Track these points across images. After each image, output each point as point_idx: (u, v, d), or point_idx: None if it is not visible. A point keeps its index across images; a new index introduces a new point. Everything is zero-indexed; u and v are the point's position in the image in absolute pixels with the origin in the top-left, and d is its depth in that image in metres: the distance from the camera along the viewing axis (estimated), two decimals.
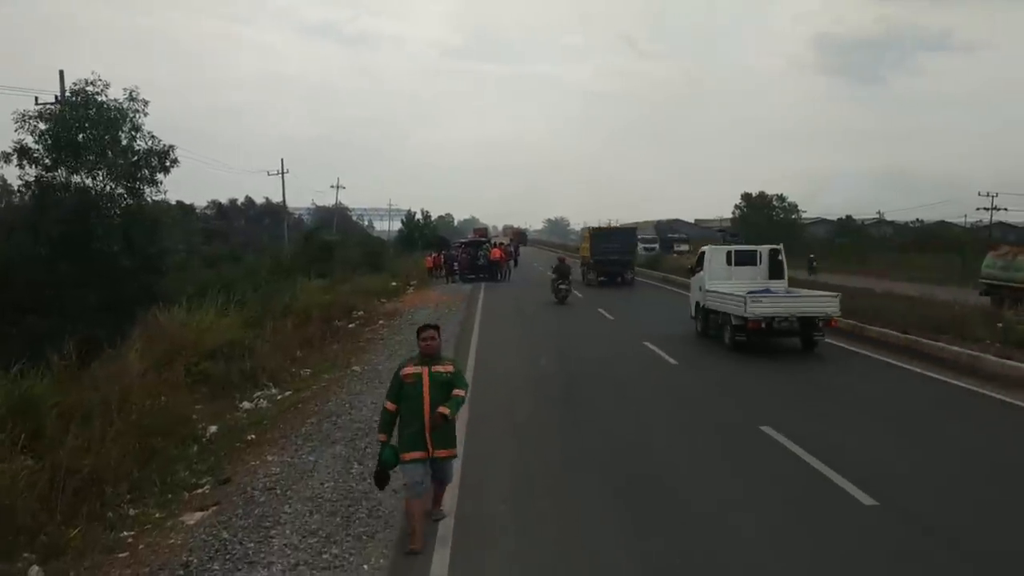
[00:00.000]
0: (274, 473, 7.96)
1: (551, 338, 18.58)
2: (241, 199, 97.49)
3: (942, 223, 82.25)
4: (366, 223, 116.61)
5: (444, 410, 6.03)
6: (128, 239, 24.78)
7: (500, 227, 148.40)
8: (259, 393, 13.29)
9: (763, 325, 15.53)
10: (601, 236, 40.00)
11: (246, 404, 12.33)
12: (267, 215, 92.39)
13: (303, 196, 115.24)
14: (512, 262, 45.58)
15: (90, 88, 23.90)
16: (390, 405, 6.25)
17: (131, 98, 24.77)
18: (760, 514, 6.65)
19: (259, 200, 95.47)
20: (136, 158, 24.66)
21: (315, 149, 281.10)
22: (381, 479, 6.28)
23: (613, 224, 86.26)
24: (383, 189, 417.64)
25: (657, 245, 77.18)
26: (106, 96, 24.16)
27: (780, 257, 18.59)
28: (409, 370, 6.17)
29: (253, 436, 9.78)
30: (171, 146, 25.07)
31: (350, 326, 21.69)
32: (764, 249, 18.93)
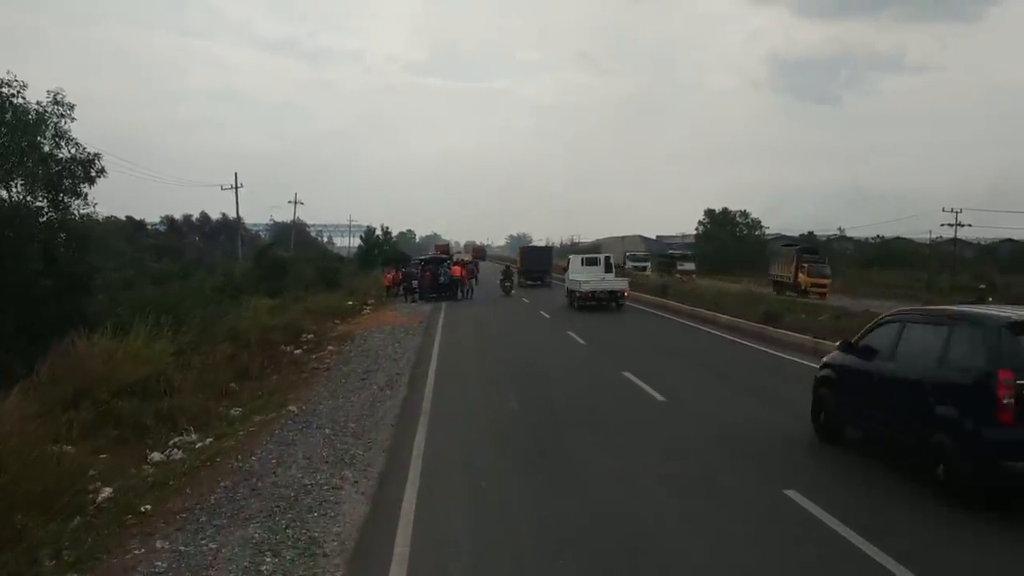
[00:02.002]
0: (157, 572, 5.99)
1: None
2: (196, 215, 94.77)
3: (899, 239, 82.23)
4: (326, 239, 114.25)
5: None
6: (49, 256, 22.45)
7: (462, 243, 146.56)
8: (176, 439, 11.27)
9: (591, 296, 30.85)
10: (528, 252, 54.39)
11: (156, 455, 10.31)
12: (223, 231, 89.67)
13: (263, 212, 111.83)
14: (474, 280, 44.00)
15: (5, 89, 21.47)
16: None
17: (55, 101, 22.46)
18: None
19: (215, 216, 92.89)
20: (59, 167, 22.35)
21: (275, 164, 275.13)
22: None
23: (579, 242, 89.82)
24: (344, 205, 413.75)
25: (649, 263, 67.55)
26: (23, 98, 21.80)
27: (612, 261, 36.17)
28: None
29: (149, 506, 7.78)
30: (96, 154, 22.79)
31: (296, 352, 19.63)
32: (602, 256, 36.05)
